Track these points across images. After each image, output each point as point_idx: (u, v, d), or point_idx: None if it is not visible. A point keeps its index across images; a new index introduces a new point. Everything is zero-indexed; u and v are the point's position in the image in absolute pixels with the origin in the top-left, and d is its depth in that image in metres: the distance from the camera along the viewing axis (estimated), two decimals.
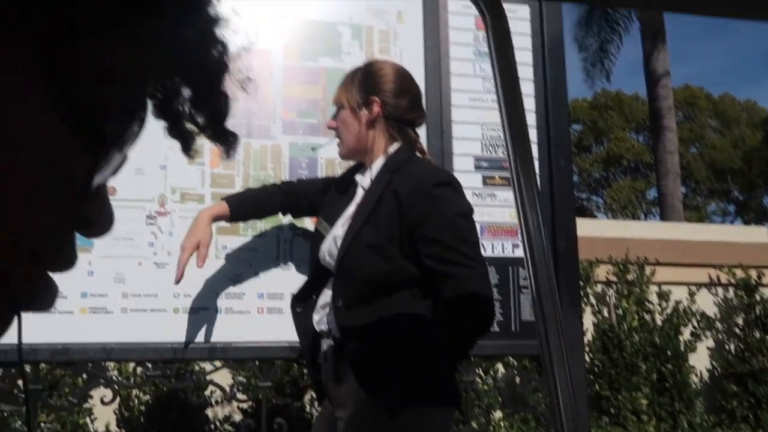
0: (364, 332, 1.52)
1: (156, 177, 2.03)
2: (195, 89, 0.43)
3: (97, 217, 0.36)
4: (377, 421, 1.48)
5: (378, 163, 1.64)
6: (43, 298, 0.34)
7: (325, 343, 1.63)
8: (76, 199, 0.33)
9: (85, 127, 0.32)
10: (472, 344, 1.53)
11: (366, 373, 1.51)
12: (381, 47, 2.36)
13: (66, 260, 0.35)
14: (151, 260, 1.98)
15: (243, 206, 1.86)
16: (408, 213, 1.51)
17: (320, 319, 1.65)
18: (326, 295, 1.65)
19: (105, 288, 1.93)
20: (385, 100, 1.63)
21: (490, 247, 2.29)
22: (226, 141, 0.47)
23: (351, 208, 1.68)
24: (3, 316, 0.32)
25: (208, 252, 1.75)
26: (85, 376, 3.09)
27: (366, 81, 1.67)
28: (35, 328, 1.85)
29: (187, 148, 0.47)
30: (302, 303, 1.76)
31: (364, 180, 1.70)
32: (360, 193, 1.69)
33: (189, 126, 0.46)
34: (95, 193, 0.35)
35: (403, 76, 1.70)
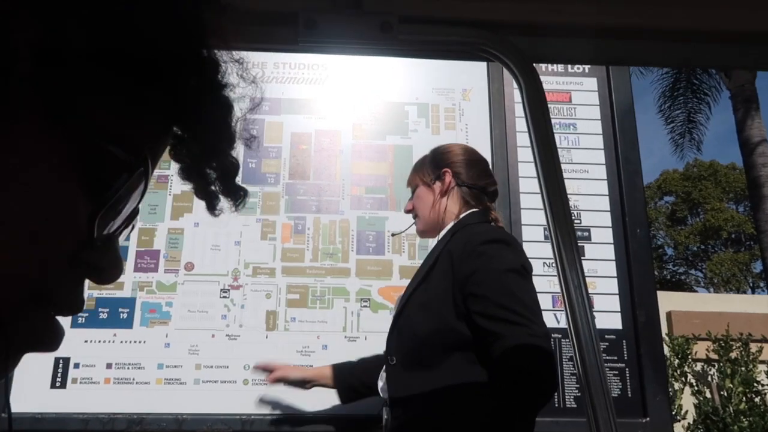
0: (413, 396, 1.46)
1: (230, 252, 2.14)
2: (202, 148, 0.46)
3: (105, 265, 0.39)
4: None
5: (447, 227, 1.65)
6: (46, 340, 0.37)
7: (385, 411, 1.59)
8: (82, 245, 0.36)
9: (90, 179, 0.36)
10: (526, 414, 1.38)
11: None
12: (447, 124, 2.42)
13: (73, 305, 0.38)
14: (223, 332, 2.05)
15: (348, 376, 1.83)
16: (457, 270, 1.46)
17: (383, 386, 1.63)
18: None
19: (180, 359, 2.01)
20: (456, 170, 1.68)
21: (564, 319, 2.21)
22: (236, 195, 0.50)
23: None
24: None
25: (280, 379, 1.82)
26: None
27: (435, 158, 1.73)
28: (115, 399, 1.94)
29: (212, 207, 0.51)
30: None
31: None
32: None
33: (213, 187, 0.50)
34: (105, 242, 0.39)
35: (469, 150, 1.75)
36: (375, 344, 2.06)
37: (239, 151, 0.50)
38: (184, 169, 0.48)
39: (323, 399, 2.00)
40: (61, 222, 0.35)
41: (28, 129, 0.33)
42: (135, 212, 0.42)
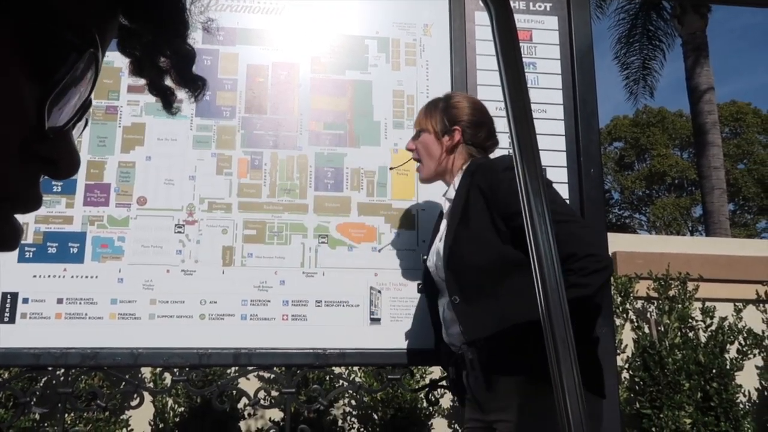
0: (487, 322, 1.55)
1: (185, 187, 2.08)
2: (153, 32, 0.43)
3: (60, 159, 0.37)
4: (540, 411, 1.38)
5: (459, 176, 1.77)
6: (4, 238, 0.35)
7: (469, 353, 1.61)
8: (33, 135, 0.34)
9: (36, 62, 0.33)
10: (603, 293, 1.53)
11: (503, 363, 1.54)
12: (408, 60, 2.38)
13: (29, 201, 0.36)
14: (178, 268, 2.02)
15: None
16: (493, 201, 1.59)
17: (455, 334, 1.66)
18: (449, 314, 1.69)
19: (134, 294, 1.98)
20: (465, 129, 1.80)
21: None
22: (194, 85, 0.48)
23: (443, 223, 1.78)
24: None
25: None
26: (123, 384, 3.16)
27: (448, 110, 1.83)
28: (67, 334, 1.91)
29: (168, 104, 0.48)
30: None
31: (449, 193, 1.81)
32: (447, 207, 1.79)
33: (168, 83, 0.47)
34: (58, 135, 0.36)
35: (479, 109, 1.85)
36: (333, 280, 2.07)
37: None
38: (135, 62, 0.46)
39: (282, 333, 2.01)
40: (6, 108, 0.32)
41: None
42: (88, 103, 0.40)
